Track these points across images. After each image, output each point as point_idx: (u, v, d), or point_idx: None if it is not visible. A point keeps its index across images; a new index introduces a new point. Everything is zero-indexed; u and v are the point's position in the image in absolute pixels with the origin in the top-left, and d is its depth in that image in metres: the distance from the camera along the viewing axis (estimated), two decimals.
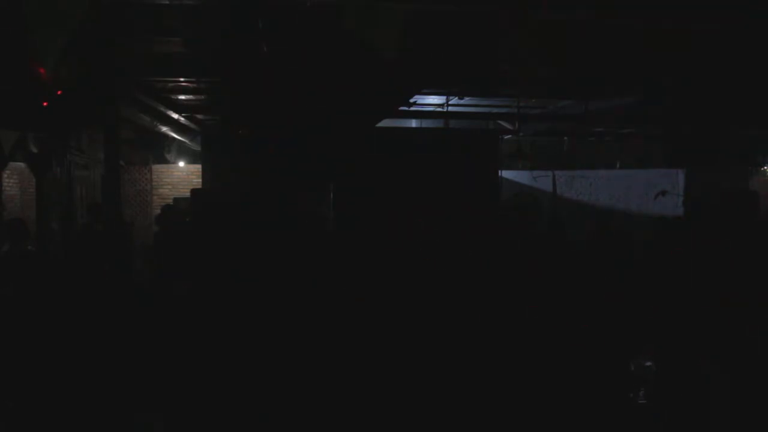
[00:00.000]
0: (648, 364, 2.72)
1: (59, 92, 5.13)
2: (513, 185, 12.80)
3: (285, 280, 4.76)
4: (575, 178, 12.60)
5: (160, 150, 11.90)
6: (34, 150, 6.56)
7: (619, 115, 9.34)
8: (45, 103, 5.18)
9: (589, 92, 8.22)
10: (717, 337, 3.19)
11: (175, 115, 9.19)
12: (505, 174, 12.58)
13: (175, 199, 10.85)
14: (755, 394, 3.20)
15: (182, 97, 8.60)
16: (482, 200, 10.41)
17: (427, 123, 11.71)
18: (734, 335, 3.32)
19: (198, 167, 11.52)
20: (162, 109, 8.48)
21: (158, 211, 8.63)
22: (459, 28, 5.28)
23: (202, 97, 8.65)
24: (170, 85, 7.71)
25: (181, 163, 12.27)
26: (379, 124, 10.47)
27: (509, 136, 11.61)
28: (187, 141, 11.32)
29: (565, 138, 12.16)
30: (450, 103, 8.79)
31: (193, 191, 8.87)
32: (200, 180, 11.20)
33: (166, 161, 12.06)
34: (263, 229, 5.21)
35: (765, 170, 11.45)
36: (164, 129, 9.76)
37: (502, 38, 5.57)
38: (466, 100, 9.43)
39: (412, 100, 8.82)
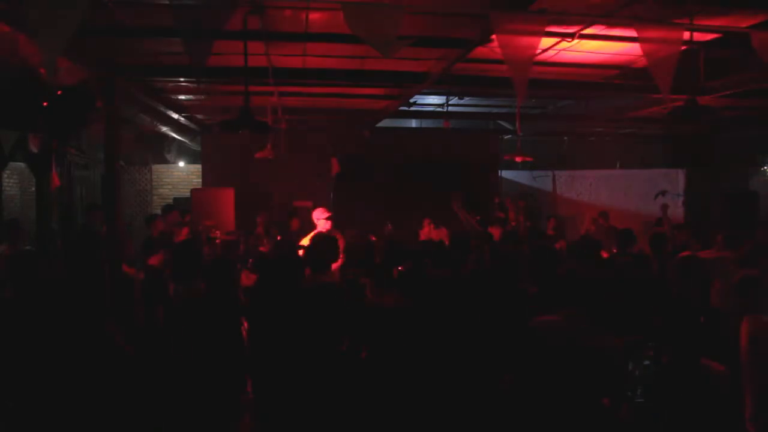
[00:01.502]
0: (647, 363, 2.73)
1: (59, 92, 5.13)
2: (513, 185, 12.84)
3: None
4: (575, 178, 12.63)
5: (160, 150, 11.90)
6: (34, 150, 6.57)
7: (619, 115, 9.34)
8: (45, 103, 5.18)
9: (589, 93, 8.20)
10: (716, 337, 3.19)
11: (175, 115, 9.19)
12: (505, 174, 12.62)
13: (175, 199, 10.87)
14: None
15: (182, 97, 8.60)
16: (482, 200, 10.46)
17: (427, 123, 11.73)
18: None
19: (198, 167, 11.54)
20: (162, 109, 8.49)
21: (158, 211, 8.65)
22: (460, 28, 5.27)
23: (202, 97, 8.65)
24: (170, 85, 7.71)
25: (181, 163, 12.27)
26: (379, 124, 10.49)
27: (509, 136, 11.63)
28: (187, 141, 11.32)
29: (565, 138, 12.17)
30: (450, 103, 8.78)
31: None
32: (200, 180, 11.24)
33: (166, 161, 12.06)
34: None
35: (765, 170, 11.44)
36: (164, 129, 9.77)
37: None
38: (466, 100, 9.43)
39: (412, 100, 8.82)
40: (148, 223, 7.59)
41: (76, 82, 5.49)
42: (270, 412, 3.63)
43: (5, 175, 7.65)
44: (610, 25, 5.07)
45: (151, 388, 3.39)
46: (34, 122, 5.31)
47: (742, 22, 4.94)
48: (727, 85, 6.50)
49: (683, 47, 3.86)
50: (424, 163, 10.71)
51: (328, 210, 6.57)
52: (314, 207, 6.99)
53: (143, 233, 7.68)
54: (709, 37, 5.41)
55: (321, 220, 6.38)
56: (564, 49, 5.85)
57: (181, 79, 7.22)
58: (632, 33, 4.17)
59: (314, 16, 5.05)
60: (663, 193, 11.29)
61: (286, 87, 7.42)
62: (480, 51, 5.64)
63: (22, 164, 7.99)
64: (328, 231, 6.27)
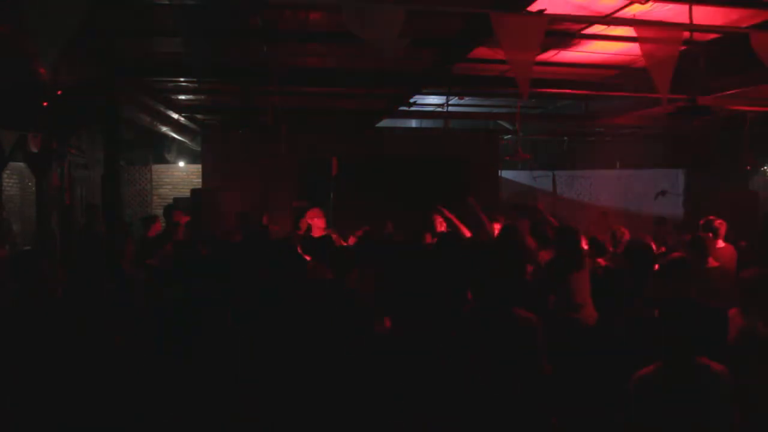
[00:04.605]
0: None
1: (59, 92, 5.13)
2: (513, 185, 12.84)
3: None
4: (575, 178, 12.63)
5: (160, 150, 11.89)
6: (34, 150, 6.57)
7: (619, 115, 9.34)
8: (45, 103, 5.18)
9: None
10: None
11: (175, 115, 9.19)
12: (505, 174, 12.62)
13: (175, 199, 10.87)
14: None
15: (182, 97, 8.60)
16: (482, 200, 10.45)
17: (427, 123, 11.73)
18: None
19: (198, 167, 11.53)
20: (162, 109, 8.48)
21: (159, 211, 8.65)
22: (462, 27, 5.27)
23: (202, 97, 8.65)
24: (170, 85, 7.71)
25: (181, 163, 12.26)
26: (379, 124, 10.49)
27: (509, 136, 11.63)
28: (187, 141, 11.32)
29: (565, 138, 12.18)
30: (450, 103, 8.79)
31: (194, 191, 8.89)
32: (200, 180, 11.24)
33: (166, 161, 12.06)
34: None
35: (765, 170, 11.44)
36: (164, 129, 9.76)
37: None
38: (466, 100, 9.43)
39: (412, 100, 8.83)
40: (144, 224, 7.56)
41: (76, 82, 5.49)
42: (273, 412, 3.63)
43: (5, 175, 7.65)
44: (610, 24, 5.08)
45: (151, 387, 3.40)
46: (34, 122, 5.32)
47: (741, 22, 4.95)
48: (727, 85, 6.50)
49: (683, 47, 3.86)
50: (424, 163, 10.71)
51: (323, 210, 6.61)
52: (310, 207, 6.99)
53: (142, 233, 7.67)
54: (709, 36, 5.42)
55: (315, 220, 6.42)
56: (564, 49, 5.85)
57: (181, 79, 7.23)
58: (632, 33, 4.17)
59: (314, 16, 5.05)
60: (663, 193, 11.30)
61: (286, 87, 7.42)
62: (480, 51, 5.64)
63: (22, 164, 7.99)
64: (324, 230, 6.29)
